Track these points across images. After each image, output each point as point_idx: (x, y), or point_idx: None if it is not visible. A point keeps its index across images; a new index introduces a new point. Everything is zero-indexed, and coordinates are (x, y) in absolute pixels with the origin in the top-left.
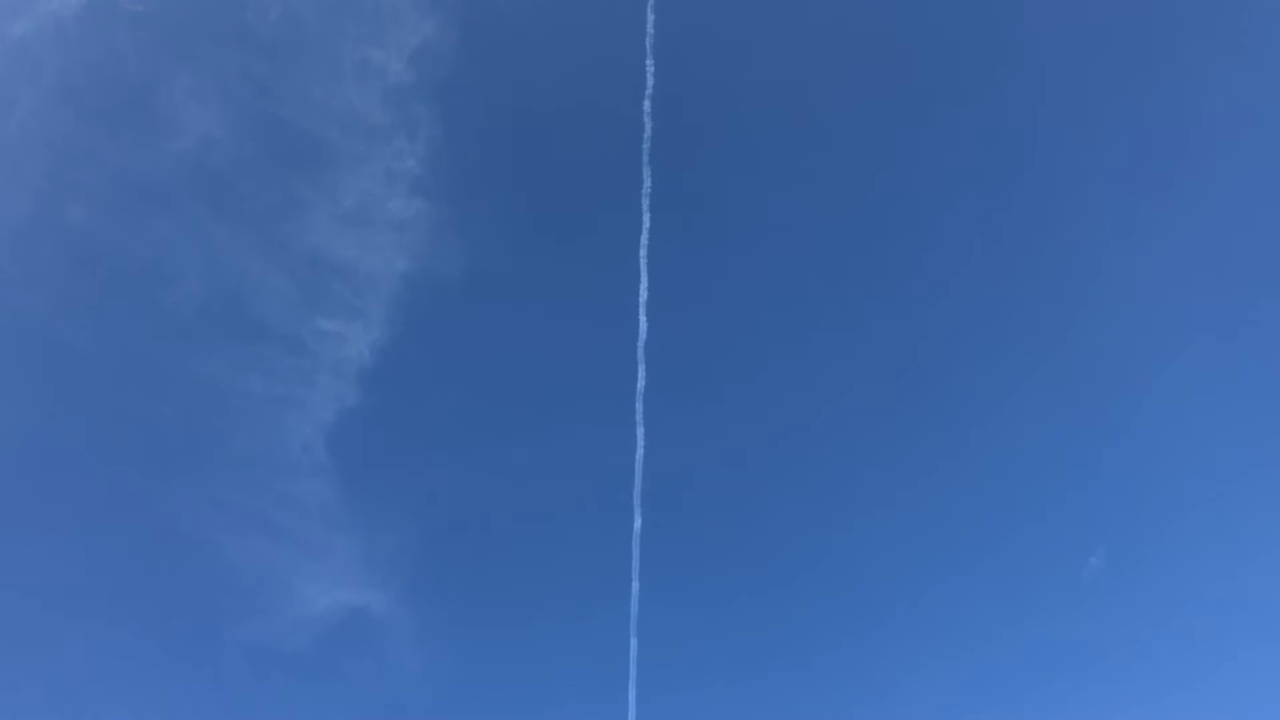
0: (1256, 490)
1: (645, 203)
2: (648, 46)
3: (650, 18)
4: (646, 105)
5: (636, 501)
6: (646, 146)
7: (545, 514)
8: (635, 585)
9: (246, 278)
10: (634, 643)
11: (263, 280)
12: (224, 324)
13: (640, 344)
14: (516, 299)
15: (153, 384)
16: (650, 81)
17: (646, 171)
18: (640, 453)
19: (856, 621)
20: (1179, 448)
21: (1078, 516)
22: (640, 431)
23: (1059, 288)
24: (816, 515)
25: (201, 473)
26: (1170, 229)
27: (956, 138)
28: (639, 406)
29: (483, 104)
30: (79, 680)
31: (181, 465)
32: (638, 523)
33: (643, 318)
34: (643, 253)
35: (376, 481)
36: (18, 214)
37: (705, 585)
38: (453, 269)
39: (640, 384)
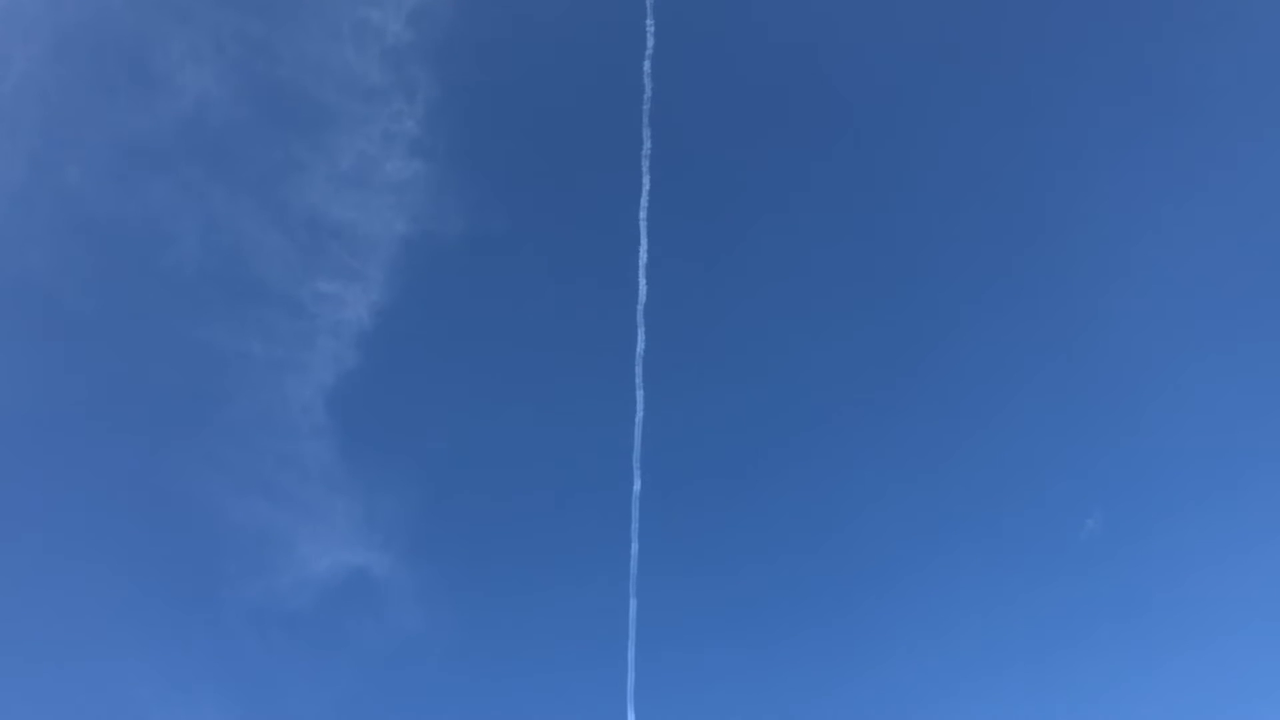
0: (1252, 453)
1: (645, 164)
2: (648, 6)
3: None
4: (646, 66)
5: (636, 464)
6: (646, 108)
7: (545, 476)
8: (635, 546)
9: (245, 239)
10: (633, 603)
11: (261, 242)
12: (223, 286)
13: (640, 307)
14: (515, 261)
15: (152, 346)
16: (650, 42)
17: (646, 133)
18: (640, 415)
19: (853, 583)
20: (1175, 411)
21: (1074, 480)
22: (640, 394)
23: (1055, 257)
24: (814, 479)
25: (202, 435)
26: (1169, 202)
27: (955, 80)
28: (638, 369)
29: (481, 65)
30: (82, 641)
31: (182, 427)
32: (637, 485)
33: (642, 280)
34: (642, 215)
35: (376, 443)
36: (14, 176)
37: (704, 546)
38: (451, 231)
39: (640, 347)
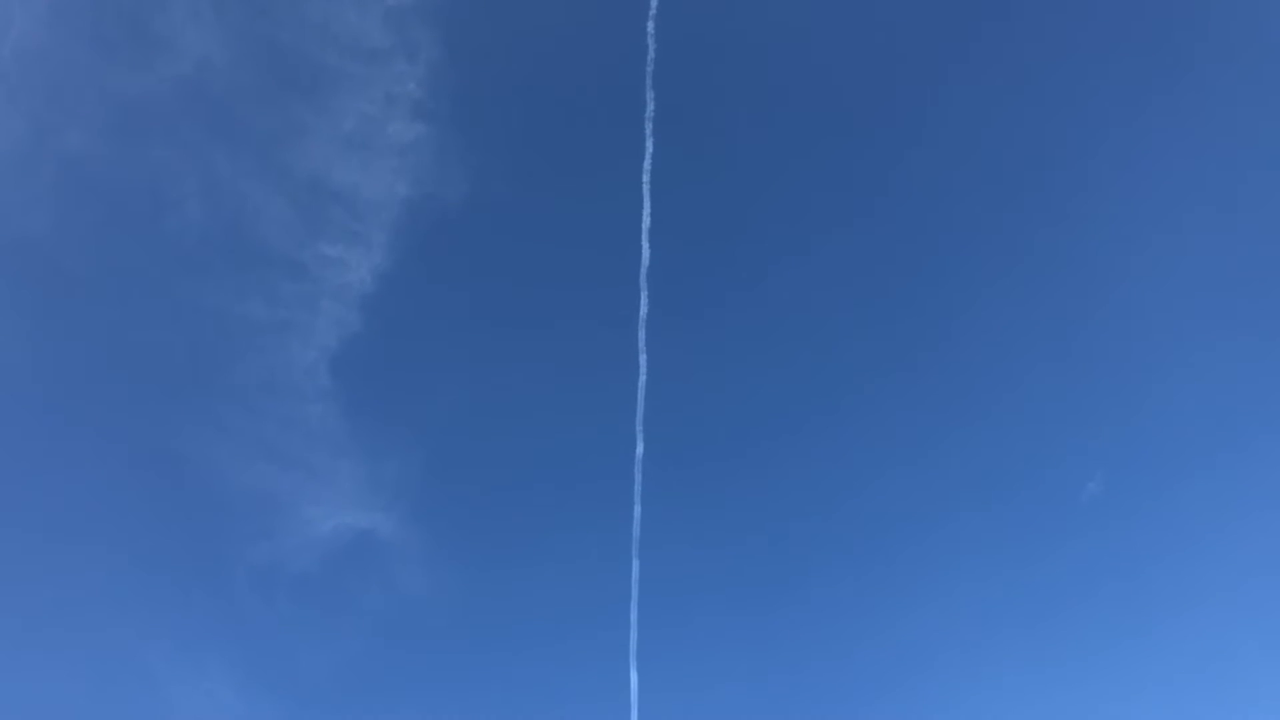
0: (1255, 415)
1: (648, 127)
2: None
3: None
4: (650, 27)
5: (639, 427)
6: (650, 69)
7: (548, 438)
8: (637, 509)
9: (247, 203)
10: (636, 564)
11: (263, 205)
12: (225, 249)
13: (643, 271)
14: (518, 225)
15: (155, 310)
16: (654, 2)
17: (649, 95)
18: (643, 379)
19: (853, 544)
20: (1178, 371)
21: (1076, 441)
22: (643, 358)
23: (1056, 215)
24: (816, 442)
25: (205, 398)
26: (1174, 159)
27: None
28: (641, 333)
29: (483, 26)
30: (88, 604)
31: (185, 391)
32: (640, 448)
33: (645, 244)
34: (645, 178)
35: (380, 406)
36: (15, 139)
37: (706, 509)
38: (454, 194)
39: (643, 311)
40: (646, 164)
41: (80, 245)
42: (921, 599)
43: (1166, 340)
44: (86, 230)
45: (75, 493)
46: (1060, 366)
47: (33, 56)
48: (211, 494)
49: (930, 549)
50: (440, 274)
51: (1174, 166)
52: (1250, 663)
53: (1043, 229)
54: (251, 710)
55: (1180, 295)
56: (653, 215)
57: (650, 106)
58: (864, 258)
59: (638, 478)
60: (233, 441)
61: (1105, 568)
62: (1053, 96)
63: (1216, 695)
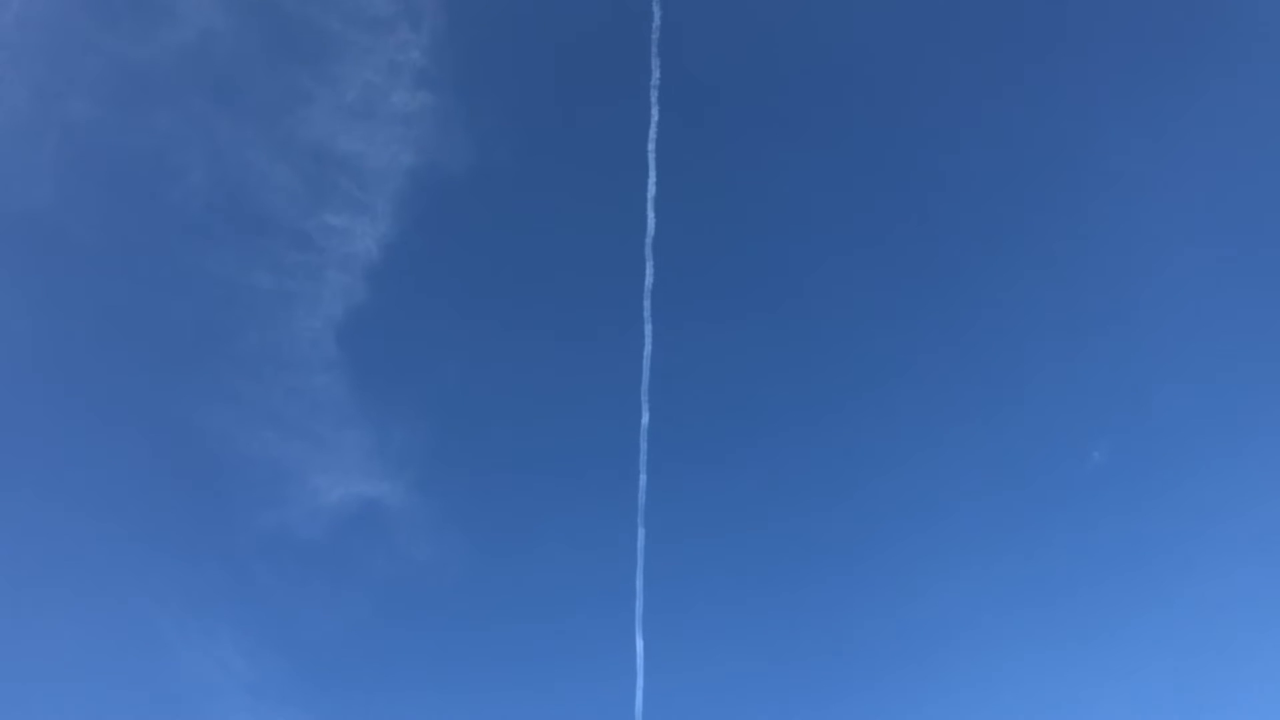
0: (1258, 384)
1: (654, 95)
2: None
3: None
4: None
5: (644, 397)
6: (655, 37)
7: (554, 408)
8: (643, 478)
9: (251, 172)
10: (641, 533)
11: (267, 174)
12: (229, 218)
13: (648, 240)
14: (523, 193)
15: (160, 279)
16: None
17: (655, 63)
18: (648, 349)
19: (857, 517)
20: (1182, 342)
21: (1079, 412)
22: (648, 328)
23: (1058, 182)
24: (821, 412)
25: (211, 368)
26: (1173, 129)
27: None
28: (647, 303)
29: None
30: (96, 572)
31: (191, 361)
32: (645, 418)
33: (651, 213)
34: (651, 147)
35: (386, 375)
36: (17, 108)
37: (711, 478)
38: (459, 163)
39: (648, 281)
40: (652, 133)
41: (83, 214)
42: (926, 571)
43: (1170, 310)
44: (90, 199)
45: (84, 462)
46: (1063, 336)
47: (35, 24)
48: (219, 463)
49: (933, 523)
50: (445, 243)
51: (1171, 150)
52: (1257, 635)
53: (1046, 208)
54: (259, 676)
55: (1184, 266)
56: (658, 184)
57: (656, 74)
58: (870, 228)
59: (643, 447)
60: (239, 411)
61: (1109, 538)
62: (1053, 85)
63: (1223, 668)
